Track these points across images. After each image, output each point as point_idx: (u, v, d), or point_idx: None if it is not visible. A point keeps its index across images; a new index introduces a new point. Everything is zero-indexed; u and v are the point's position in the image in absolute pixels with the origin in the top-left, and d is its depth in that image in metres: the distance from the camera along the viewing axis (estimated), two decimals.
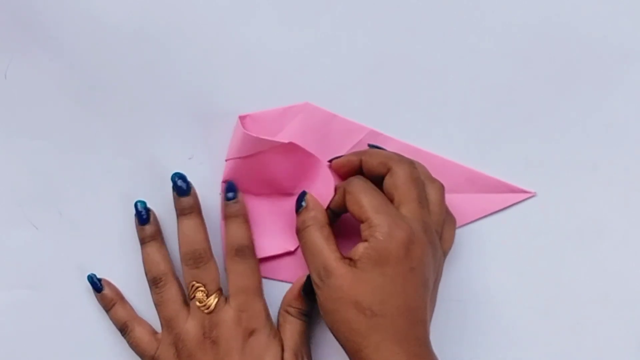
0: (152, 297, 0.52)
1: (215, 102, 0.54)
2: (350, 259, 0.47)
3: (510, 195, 0.54)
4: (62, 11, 0.53)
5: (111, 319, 0.53)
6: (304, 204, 0.50)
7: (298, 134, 0.53)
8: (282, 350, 0.51)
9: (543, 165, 0.54)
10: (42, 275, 0.54)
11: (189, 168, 0.53)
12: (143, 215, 0.52)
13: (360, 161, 0.51)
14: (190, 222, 0.51)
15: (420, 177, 0.49)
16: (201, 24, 0.54)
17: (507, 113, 0.54)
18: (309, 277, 0.50)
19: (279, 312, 0.53)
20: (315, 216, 0.49)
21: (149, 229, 0.52)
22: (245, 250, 0.52)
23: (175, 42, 0.54)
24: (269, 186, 0.53)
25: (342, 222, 0.52)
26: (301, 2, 0.54)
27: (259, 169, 0.52)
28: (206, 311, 0.50)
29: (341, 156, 0.52)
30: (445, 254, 0.50)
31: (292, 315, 0.52)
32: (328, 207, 0.50)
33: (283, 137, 0.53)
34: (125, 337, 0.53)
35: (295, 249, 0.53)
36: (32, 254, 0.54)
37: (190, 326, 0.50)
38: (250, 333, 0.51)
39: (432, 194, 0.49)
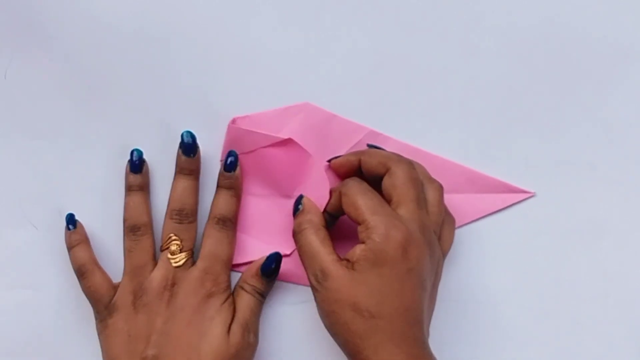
0: (125, 243, 0.52)
1: (214, 102, 0.54)
2: (348, 261, 0.47)
3: (509, 195, 0.54)
4: (62, 11, 0.54)
5: (71, 258, 0.52)
6: (300, 207, 0.50)
7: (298, 134, 0.53)
8: (233, 320, 0.51)
9: (543, 165, 0.54)
10: (42, 275, 0.54)
11: None
12: (137, 164, 0.52)
13: (359, 161, 0.51)
14: (187, 183, 0.52)
15: (418, 178, 0.49)
16: (201, 24, 0.54)
17: (507, 113, 0.54)
18: (268, 258, 0.51)
19: (234, 288, 0.53)
20: (311, 219, 0.49)
21: (140, 177, 0.52)
22: (227, 222, 0.52)
23: (175, 42, 0.54)
24: (268, 186, 0.53)
25: (339, 225, 0.52)
26: (301, 2, 0.54)
27: (258, 166, 0.52)
28: (174, 264, 0.51)
29: (340, 156, 0.52)
30: (444, 254, 0.50)
31: (246, 291, 0.52)
32: (325, 210, 0.50)
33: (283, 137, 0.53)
34: (82, 281, 0.52)
35: (291, 253, 0.53)
36: (32, 254, 0.54)
37: (155, 275, 0.51)
38: (209, 295, 0.51)
39: (430, 194, 0.49)
